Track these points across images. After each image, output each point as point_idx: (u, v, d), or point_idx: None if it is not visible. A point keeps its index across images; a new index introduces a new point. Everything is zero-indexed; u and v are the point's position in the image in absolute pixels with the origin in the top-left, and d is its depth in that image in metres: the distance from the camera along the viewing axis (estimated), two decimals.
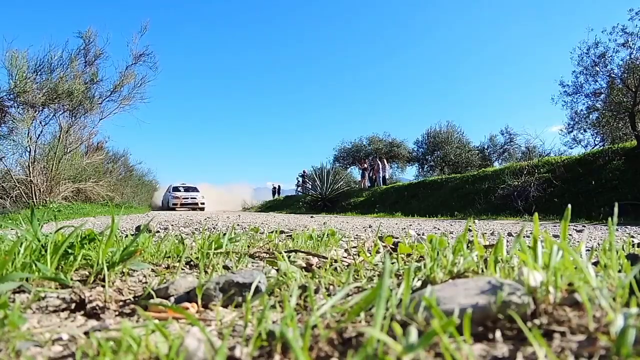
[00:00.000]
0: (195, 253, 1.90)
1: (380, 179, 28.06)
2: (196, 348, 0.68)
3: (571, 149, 25.37)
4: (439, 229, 7.16)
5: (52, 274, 1.28)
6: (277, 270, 1.51)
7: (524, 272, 0.84)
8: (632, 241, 2.39)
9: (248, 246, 2.32)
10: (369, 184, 28.75)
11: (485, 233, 6.23)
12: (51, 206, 15.75)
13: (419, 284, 1.08)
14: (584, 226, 8.38)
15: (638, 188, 12.23)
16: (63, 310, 1.08)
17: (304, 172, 33.34)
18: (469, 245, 1.37)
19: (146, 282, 1.44)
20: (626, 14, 18.78)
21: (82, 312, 1.06)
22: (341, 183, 29.23)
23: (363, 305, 0.75)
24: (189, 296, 1.17)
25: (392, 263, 1.52)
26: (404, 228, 7.19)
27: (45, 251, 1.37)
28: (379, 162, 28.76)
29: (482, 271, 1.11)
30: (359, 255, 1.85)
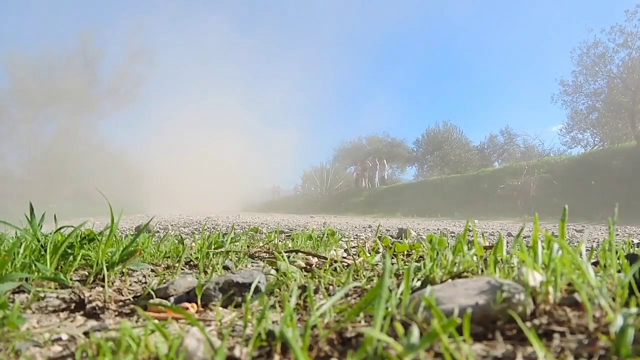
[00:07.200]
0: (195, 253, 1.89)
1: (378, 179, 28.02)
2: (196, 348, 0.68)
3: (570, 148, 25.44)
4: (438, 229, 7.17)
5: (51, 274, 1.28)
6: (277, 270, 1.51)
7: (523, 272, 0.84)
8: (632, 241, 2.40)
9: (248, 246, 2.32)
10: (370, 184, 28.74)
11: (485, 233, 6.24)
12: (51, 206, 15.76)
13: (418, 284, 1.08)
14: (584, 226, 8.38)
15: (638, 188, 12.24)
16: (63, 310, 1.08)
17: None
18: (469, 245, 1.37)
19: (146, 282, 1.44)
20: (625, 14, 18.82)
21: (81, 312, 1.06)
22: (341, 183, 29.19)
23: (363, 305, 0.75)
24: (189, 296, 1.17)
25: (392, 263, 1.52)
26: (404, 228, 7.19)
27: (45, 251, 1.37)
28: (378, 162, 28.73)
29: (482, 271, 1.11)
30: (358, 256, 1.85)
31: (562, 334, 0.70)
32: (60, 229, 1.57)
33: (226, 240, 2.09)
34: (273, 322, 0.96)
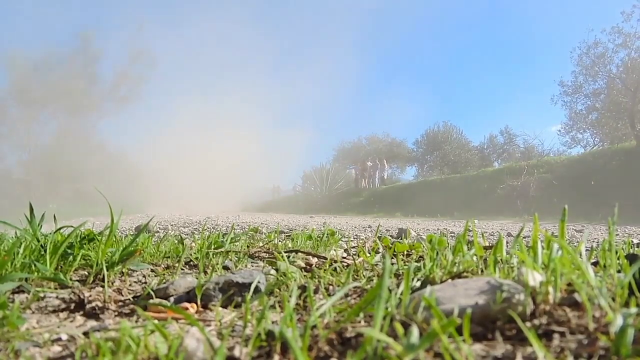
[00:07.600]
0: (194, 253, 1.89)
1: (378, 179, 28.02)
2: (195, 348, 0.68)
3: (570, 149, 25.47)
4: (438, 229, 7.17)
5: (51, 274, 1.28)
6: (277, 270, 1.51)
7: (523, 272, 0.84)
8: (632, 241, 2.40)
9: (247, 246, 2.32)
10: (370, 184, 28.72)
11: (485, 233, 6.24)
12: (51, 206, 15.76)
13: (418, 284, 1.08)
14: (584, 226, 8.38)
15: (637, 188, 12.24)
16: (62, 310, 1.08)
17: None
18: (469, 245, 1.37)
19: (145, 282, 1.44)
20: (621, 15, 18.82)
21: (81, 312, 1.06)
22: (341, 183, 29.17)
23: (362, 306, 0.75)
24: (189, 296, 1.17)
25: (392, 263, 1.52)
26: (404, 228, 7.19)
27: (45, 251, 1.37)
28: (378, 162, 28.75)
29: (482, 271, 1.11)
30: (358, 256, 1.85)
31: (562, 334, 0.70)
32: (60, 229, 1.57)
33: (226, 240, 2.09)
34: (273, 322, 0.96)
